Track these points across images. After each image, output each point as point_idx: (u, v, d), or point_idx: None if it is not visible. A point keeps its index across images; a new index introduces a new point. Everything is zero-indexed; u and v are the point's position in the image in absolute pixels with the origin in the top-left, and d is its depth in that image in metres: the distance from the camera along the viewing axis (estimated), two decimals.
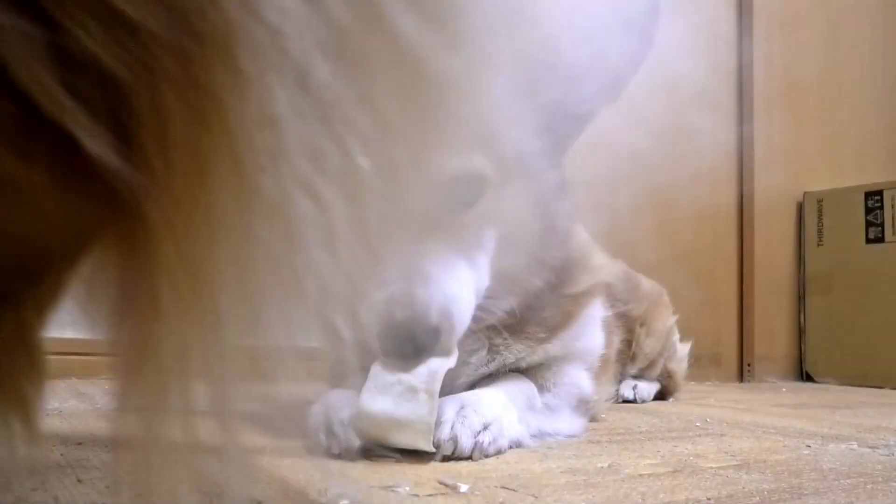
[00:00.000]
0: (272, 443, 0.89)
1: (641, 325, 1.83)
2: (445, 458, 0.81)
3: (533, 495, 0.65)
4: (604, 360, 1.24)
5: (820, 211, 3.41)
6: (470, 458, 0.82)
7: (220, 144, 0.29)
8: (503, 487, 0.68)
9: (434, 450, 0.80)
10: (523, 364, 1.05)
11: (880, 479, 0.81)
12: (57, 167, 0.29)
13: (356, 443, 0.80)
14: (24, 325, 0.38)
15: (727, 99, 3.33)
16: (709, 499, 0.67)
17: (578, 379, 1.11)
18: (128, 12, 0.25)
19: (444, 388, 0.98)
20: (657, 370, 1.91)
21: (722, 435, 1.18)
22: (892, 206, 3.11)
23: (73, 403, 1.24)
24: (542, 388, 1.05)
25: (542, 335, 1.03)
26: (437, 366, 0.79)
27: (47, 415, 1.07)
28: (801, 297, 3.46)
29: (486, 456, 0.84)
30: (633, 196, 2.98)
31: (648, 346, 1.84)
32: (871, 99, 3.82)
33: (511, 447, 0.91)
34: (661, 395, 1.95)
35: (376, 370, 0.81)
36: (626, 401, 1.79)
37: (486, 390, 0.96)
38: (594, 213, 2.79)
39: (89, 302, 0.41)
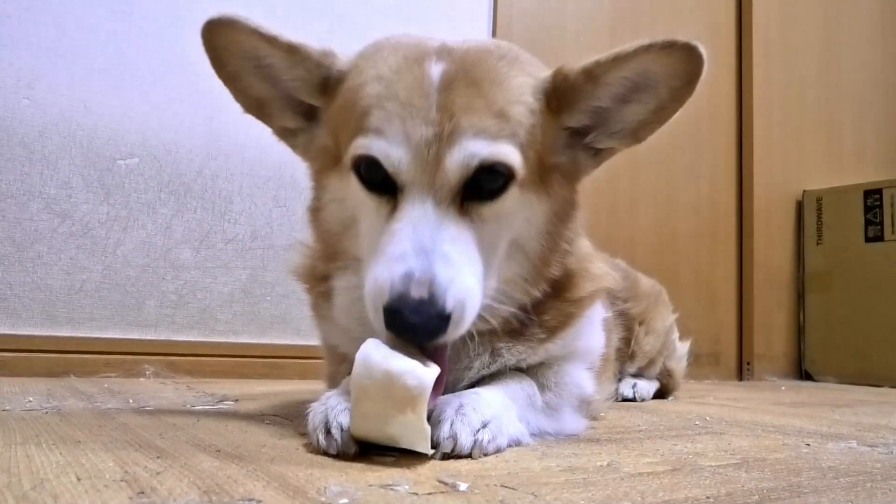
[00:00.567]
0: (273, 441, 0.89)
1: (641, 323, 1.83)
2: (445, 456, 0.81)
3: (533, 494, 0.65)
4: (604, 359, 1.25)
5: (819, 209, 3.41)
6: (469, 456, 0.82)
7: None
8: (503, 486, 0.68)
9: (431, 452, 0.79)
10: (524, 364, 1.05)
11: (879, 478, 0.81)
12: None
13: (353, 448, 0.80)
14: None
15: (726, 98, 3.33)
16: (708, 497, 0.67)
17: (580, 378, 1.11)
18: None
19: (446, 390, 0.98)
20: (657, 369, 1.91)
21: (721, 433, 1.18)
22: (892, 205, 3.11)
23: (71, 402, 1.24)
24: (543, 387, 1.05)
25: (543, 336, 1.03)
26: (425, 372, 0.79)
27: (45, 412, 1.07)
28: (800, 296, 3.46)
29: (486, 454, 0.84)
30: (632, 193, 2.98)
31: (648, 344, 1.84)
32: (871, 98, 3.82)
33: (511, 445, 0.91)
34: (661, 394, 1.95)
35: (364, 360, 0.79)
36: (625, 399, 1.79)
37: (487, 389, 0.95)
38: (594, 211, 2.79)
39: None
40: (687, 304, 3.10)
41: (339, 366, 1.12)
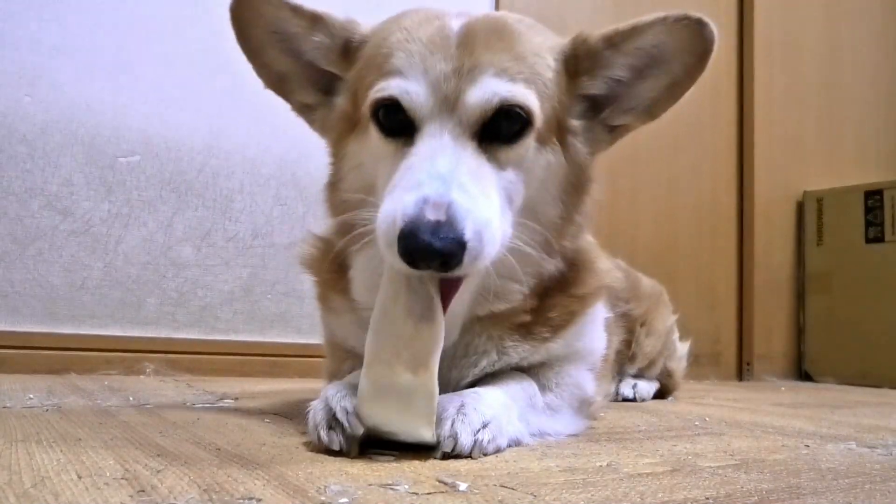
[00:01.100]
0: (273, 439, 0.89)
1: (642, 324, 1.83)
2: (445, 456, 0.81)
3: (532, 494, 0.65)
4: (606, 360, 1.25)
5: (820, 210, 3.41)
6: (469, 455, 0.82)
7: None
8: (502, 486, 0.68)
9: (436, 440, 0.80)
10: (526, 363, 1.05)
11: (878, 479, 0.81)
12: None
13: (360, 430, 0.80)
14: None
15: (727, 98, 3.33)
16: (707, 498, 0.67)
17: (581, 379, 1.11)
18: None
19: (450, 385, 0.99)
20: (657, 369, 1.91)
21: (721, 434, 1.18)
22: (892, 206, 3.10)
23: (72, 399, 1.24)
24: (544, 388, 1.05)
25: (547, 335, 1.03)
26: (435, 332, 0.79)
27: (46, 410, 1.08)
28: (800, 296, 3.46)
29: (486, 454, 0.84)
30: (633, 194, 2.98)
31: (648, 345, 1.84)
32: (872, 99, 3.82)
33: (510, 445, 0.91)
34: (661, 394, 1.95)
35: (374, 325, 0.80)
36: (625, 399, 1.79)
37: (487, 388, 0.95)
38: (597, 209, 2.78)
39: None
40: (687, 305, 3.10)
41: (341, 364, 1.12)
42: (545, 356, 1.06)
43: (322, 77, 1.04)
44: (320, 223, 1.12)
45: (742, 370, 3.27)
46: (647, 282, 1.94)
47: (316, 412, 0.85)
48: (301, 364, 2.03)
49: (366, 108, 0.90)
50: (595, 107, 1.01)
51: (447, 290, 0.82)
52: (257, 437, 0.91)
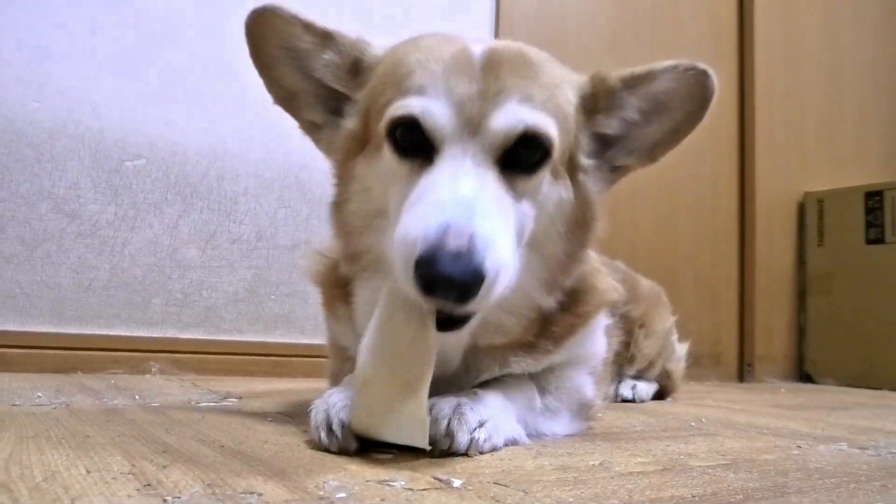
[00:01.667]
0: (276, 437, 0.91)
1: (640, 326, 1.85)
2: (442, 454, 0.83)
3: (524, 491, 0.68)
4: (604, 362, 1.27)
5: (821, 211, 3.42)
6: (465, 454, 0.84)
7: None
8: (495, 483, 0.71)
9: (429, 447, 0.82)
10: (529, 371, 1.06)
11: (864, 479, 0.83)
12: None
13: (353, 445, 0.82)
14: None
15: (728, 99, 3.34)
16: (694, 496, 0.69)
17: (580, 383, 1.12)
18: None
19: (451, 392, 1.01)
20: (656, 370, 1.93)
21: (715, 435, 1.20)
22: (892, 207, 3.11)
23: (80, 398, 1.27)
24: (543, 391, 1.07)
25: (550, 347, 1.04)
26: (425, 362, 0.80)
27: (54, 408, 1.10)
28: (801, 297, 3.47)
29: (481, 452, 0.86)
30: (633, 196, 3.00)
31: (647, 347, 1.86)
32: (872, 99, 3.82)
33: (507, 445, 0.93)
34: (660, 395, 1.97)
35: (367, 351, 0.82)
36: (624, 400, 1.82)
37: (486, 390, 0.97)
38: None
39: None
40: (688, 306, 3.11)
41: (343, 364, 1.14)
42: (547, 365, 1.07)
43: (331, 96, 1.04)
44: (324, 239, 1.14)
45: (743, 371, 3.29)
46: (645, 283, 1.96)
47: (317, 413, 0.87)
48: (304, 364, 2.06)
49: (381, 126, 0.88)
50: (602, 147, 1.03)
51: (445, 328, 0.81)
52: (260, 436, 0.93)
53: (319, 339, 1.29)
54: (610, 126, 1.01)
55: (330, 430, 0.84)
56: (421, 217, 0.75)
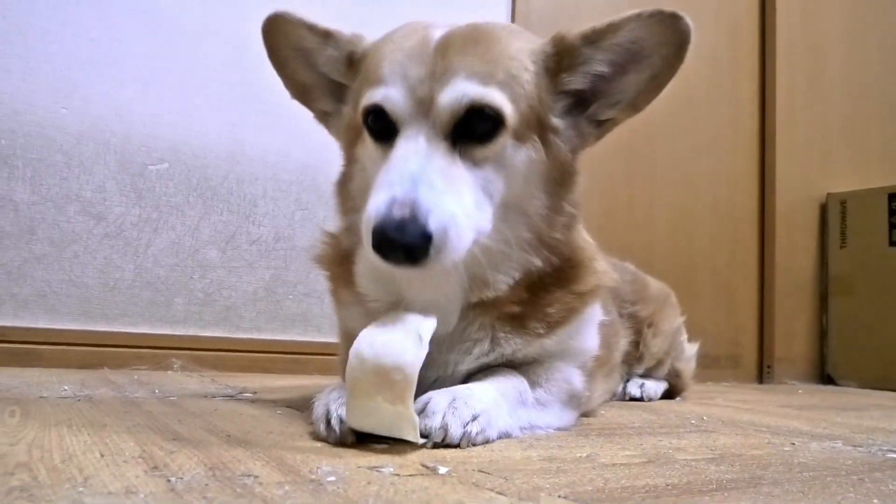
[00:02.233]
0: (281, 428, 0.96)
1: (649, 325, 1.87)
2: (436, 446, 0.87)
3: (504, 478, 0.72)
4: (600, 360, 1.29)
5: (843, 212, 3.38)
6: (458, 446, 0.88)
7: None
8: (480, 471, 0.75)
9: (421, 441, 0.86)
10: (519, 356, 1.10)
11: (844, 473, 0.85)
12: None
13: (350, 438, 0.87)
14: None
15: (748, 99, 3.33)
16: (668, 485, 0.73)
17: (570, 375, 1.16)
18: None
19: (447, 367, 1.06)
20: (665, 369, 1.95)
21: (712, 431, 1.22)
22: None
23: (102, 391, 1.33)
24: (533, 384, 1.10)
25: (542, 331, 1.09)
26: (412, 364, 0.85)
27: (78, 400, 1.17)
28: (823, 299, 3.44)
29: (474, 445, 0.90)
30: (650, 196, 3.01)
31: (655, 346, 1.88)
32: None
33: (501, 438, 0.97)
34: (670, 394, 1.98)
35: (357, 355, 0.87)
36: (633, 398, 1.84)
37: (479, 384, 1.01)
38: (610, 214, 2.81)
39: None
40: (706, 307, 3.11)
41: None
42: (538, 351, 1.11)
43: (336, 88, 1.16)
44: (333, 221, 1.21)
45: (762, 373, 3.27)
46: (654, 284, 1.98)
47: (318, 407, 0.93)
48: (321, 361, 2.12)
49: (359, 115, 1.00)
50: (581, 103, 1.06)
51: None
52: (266, 426, 0.98)
53: (335, 337, 1.34)
54: (577, 82, 1.04)
55: (329, 423, 0.89)
56: (375, 195, 0.87)
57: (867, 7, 3.71)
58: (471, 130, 0.94)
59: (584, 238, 1.18)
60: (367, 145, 1.00)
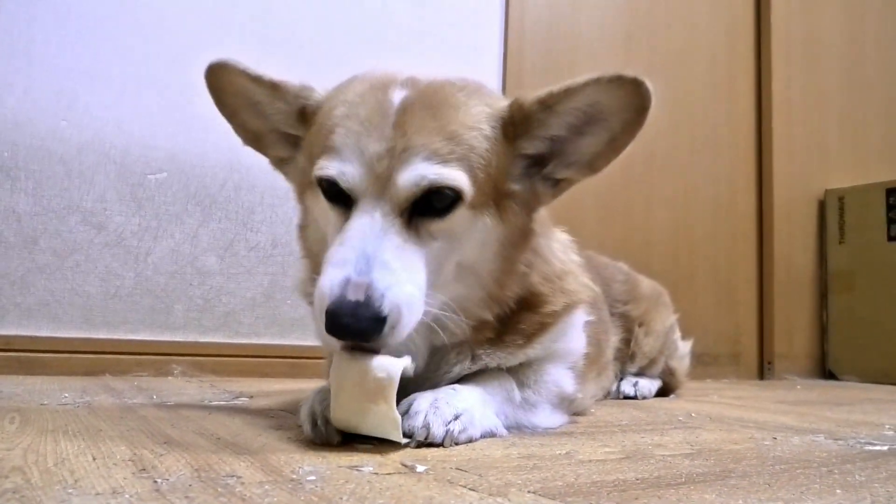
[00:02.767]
0: (270, 431, 0.99)
1: (640, 325, 1.89)
2: (419, 445, 0.90)
3: (479, 475, 0.74)
4: (590, 358, 1.31)
5: (841, 208, 3.39)
6: (441, 445, 0.91)
7: None
8: (457, 469, 0.77)
9: (404, 440, 0.88)
10: (505, 366, 1.12)
11: (815, 465, 0.88)
12: None
13: (336, 438, 0.90)
14: None
15: (745, 96, 3.34)
16: (637, 479, 0.75)
17: (559, 377, 1.18)
18: None
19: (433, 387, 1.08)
20: (658, 368, 1.97)
21: (696, 428, 1.24)
22: None
23: (102, 397, 1.37)
24: (522, 385, 1.13)
25: (521, 342, 1.11)
26: (394, 364, 0.87)
27: (77, 406, 1.20)
28: (823, 295, 3.45)
29: (457, 443, 0.92)
30: (648, 194, 3.02)
31: (647, 345, 1.90)
32: (895, 95, 3.78)
33: (485, 437, 0.99)
34: (664, 392, 2.00)
35: (340, 357, 0.89)
36: (627, 397, 1.86)
37: (464, 385, 1.04)
38: (608, 213, 2.83)
39: None
40: (705, 305, 3.13)
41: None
42: (524, 359, 1.13)
43: (290, 136, 1.13)
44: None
45: (763, 369, 3.28)
46: (646, 283, 2.00)
47: (304, 407, 0.96)
48: (318, 366, 2.14)
49: (312, 174, 0.97)
50: (538, 162, 1.06)
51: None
52: (256, 429, 1.01)
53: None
54: (534, 147, 1.04)
55: (315, 424, 0.92)
56: (329, 271, 0.86)
57: (864, 3, 3.72)
58: (428, 206, 0.93)
59: (554, 263, 1.16)
60: (321, 202, 0.99)
